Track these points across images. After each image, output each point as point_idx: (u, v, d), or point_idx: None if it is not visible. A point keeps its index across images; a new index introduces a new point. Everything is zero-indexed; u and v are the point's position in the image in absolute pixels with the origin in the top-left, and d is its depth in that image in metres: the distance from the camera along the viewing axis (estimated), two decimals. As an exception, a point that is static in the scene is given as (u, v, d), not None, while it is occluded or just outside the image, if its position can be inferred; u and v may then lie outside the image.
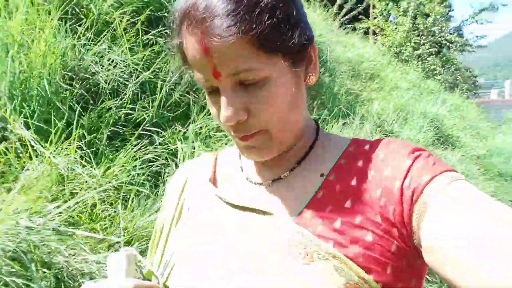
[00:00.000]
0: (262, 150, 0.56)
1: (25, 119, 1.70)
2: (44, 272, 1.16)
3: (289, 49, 0.52)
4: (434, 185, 0.48)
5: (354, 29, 9.04)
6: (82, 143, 1.68)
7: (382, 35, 9.02)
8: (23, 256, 1.07)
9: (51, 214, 1.36)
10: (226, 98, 0.51)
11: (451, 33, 9.41)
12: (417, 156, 0.52)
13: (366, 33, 9.38)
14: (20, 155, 1.70)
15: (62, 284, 1.18)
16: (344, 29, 7.67)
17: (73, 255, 1.28)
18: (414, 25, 9.06)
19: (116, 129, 2.07)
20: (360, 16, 9.89)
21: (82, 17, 2.27)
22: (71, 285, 1.18)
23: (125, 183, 1.59)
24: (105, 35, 2.25)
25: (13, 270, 1.09)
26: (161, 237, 0.65)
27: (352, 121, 3.68)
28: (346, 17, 10.01)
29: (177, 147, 2.16)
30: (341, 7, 10.25)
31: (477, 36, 9.99)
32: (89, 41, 2.22)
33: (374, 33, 9.63)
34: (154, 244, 0.66)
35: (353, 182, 0.54)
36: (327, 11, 8.49)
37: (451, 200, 0.46)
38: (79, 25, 2.19)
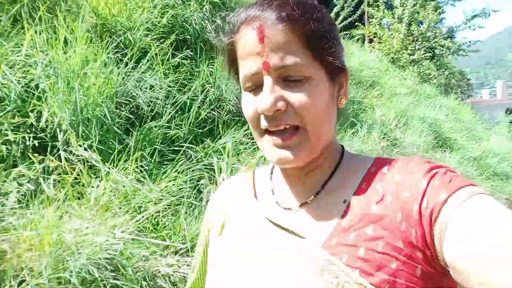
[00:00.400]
0: (298, 151, 0.57)
1: (85, 142, 1.94)
2: (131, 275, 1.41)
3: (330, 59, 0.57)
4: (451, 203, 0.49)
5: (351, 36, 9.33)
6: (142, 162, 1.92)
7: (379, 42, 9.33)
8: (124, 263, 1.31)
9: (124, 226, 1.60)
10: (268, 88, 0.55)
11: (444, 39, 9.77)
12: (433, 175, 0.53)
13: (362, 41, 9.70)
14: (80, 174, 1.93)
15: (146, 284, 1.42)
16: (342, 38, 7.99)
17: (149, 260, 1.52)
18: (409, 31, 9.38)
19: (156, 147, 2.31)
20: (356, 24, 10.22)
21: (122, 46, 2.52)
22: (154, 285, 1.43)
23: (185, 196, 1.84)
24: (145, 63, 2.50)
25: (112, 274, 1.33)
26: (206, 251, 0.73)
27: (360, 129, 3.95)
28: (342, 24, 10.34)
29: (211, 160, 2.40)
30: (337, 15, 10.59)
31: (470, 41, 10.37)
32: (128, 68, 2.46)
33: (370, 40, 9.95)
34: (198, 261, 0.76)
35: (374, 208, 0.56)
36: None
37: (470, 217, 0.47)
38: (122, 55, 2.44)
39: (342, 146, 0.67)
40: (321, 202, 0.61)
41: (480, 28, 9.90)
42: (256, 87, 0.57)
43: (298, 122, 0.56)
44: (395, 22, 9.52)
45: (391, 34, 9.46)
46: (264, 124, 0.57)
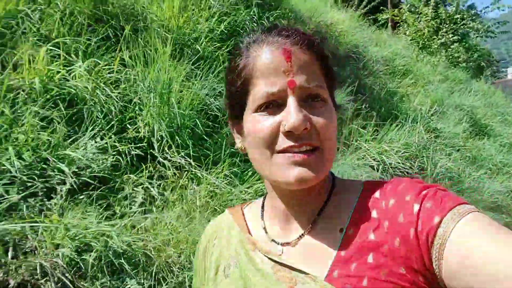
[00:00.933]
0: (317, 169, 0.57)
1: (183, 150, 2.20)
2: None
3: (334, 94, 0.63)
4: (445, 225, 0.50)
5: (376, 20, 9.28)
6: (233, 166, 2.17)
7: (408, 25, 9.27)
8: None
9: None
10: (295, 107, 0.56)
11: (472, 20, 9.64)
12: (424, 197, 0.54)
13: (383, 25, 9.64)
14: (173, 177, 2.20)
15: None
16: (370, 23, 7.96)
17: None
18: (436, 13, 9.30)
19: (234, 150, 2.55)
20: (381, 8, 10.15)
21: (191, 55, 2.75)
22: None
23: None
24: (214, 72, 2.73)
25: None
26: None
27: (401, 122, 4.07)
28: (367, 7, 10.24)
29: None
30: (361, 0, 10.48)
31: (499, 23, 10.18)
32: (203, 78, 2.69)
33: (397, 24, 9.88)
34: None
35: (371, 236, 0.56)
36: (348, 5, 8.81)
37: (464, 237, 0.48)
38: (195, 65, 2.68)
39: (332, 173, 0.68)
40: (318, 232, 0.61)
41: (510, 8, 9.72)
42: (273, 106, 0.57)
43: (318, 143, 0.57)
44: (421, 5, 9.43)
45: (417, 18, 9.40)
46: (284, 144, 0.56)
